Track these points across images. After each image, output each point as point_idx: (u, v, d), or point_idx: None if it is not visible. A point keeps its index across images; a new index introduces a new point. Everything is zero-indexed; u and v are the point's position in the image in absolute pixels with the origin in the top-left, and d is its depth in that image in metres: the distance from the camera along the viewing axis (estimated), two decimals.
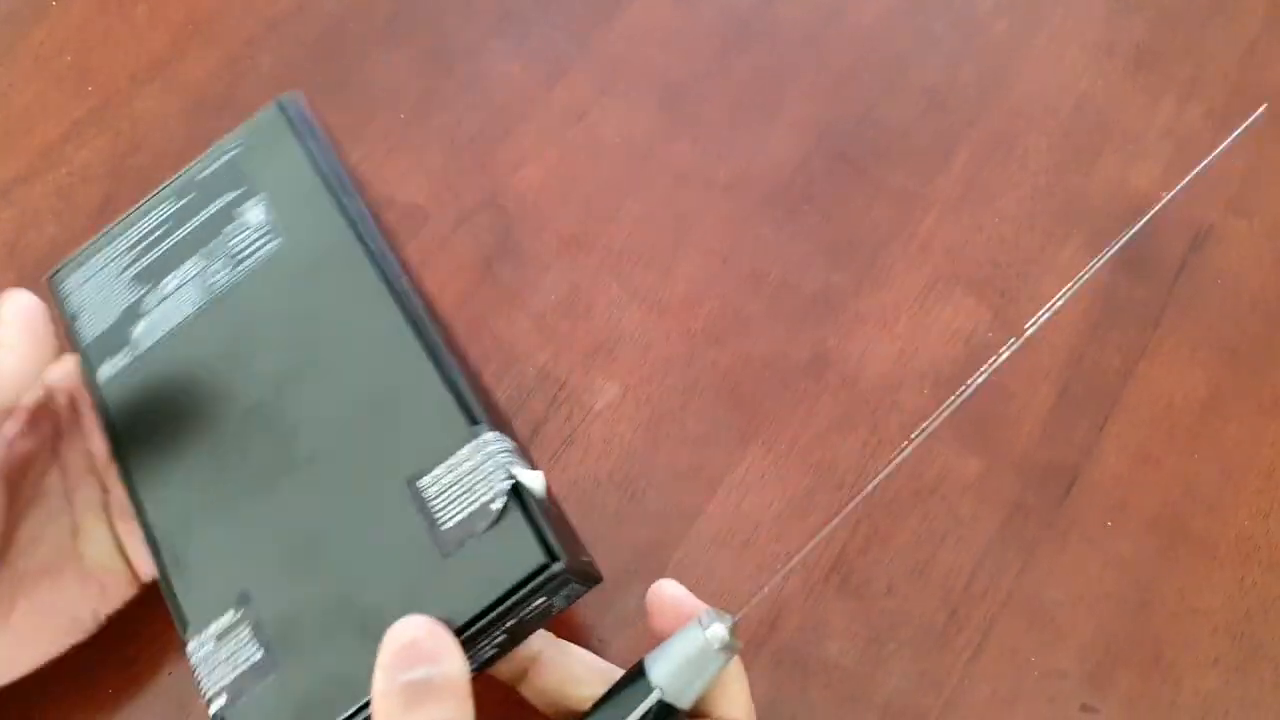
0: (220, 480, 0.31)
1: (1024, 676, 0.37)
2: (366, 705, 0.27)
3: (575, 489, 0.40)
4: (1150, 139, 0.47)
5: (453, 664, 0.25)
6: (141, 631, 0.36)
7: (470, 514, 0.27)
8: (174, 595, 0.31)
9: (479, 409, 0.29)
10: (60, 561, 0.33)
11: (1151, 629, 0.37)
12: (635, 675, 0.28)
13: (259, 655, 0.29)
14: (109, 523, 0.34)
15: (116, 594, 0.34)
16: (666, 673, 0.27)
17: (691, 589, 0.38)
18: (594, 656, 0.32)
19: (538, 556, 0.26)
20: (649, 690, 0.27)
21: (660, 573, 0.38)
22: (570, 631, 0.37)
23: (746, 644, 0.37)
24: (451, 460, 0.28)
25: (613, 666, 0.31)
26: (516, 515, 0.27)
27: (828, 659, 0.37)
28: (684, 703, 0.27)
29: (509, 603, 0.27)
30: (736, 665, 0.30)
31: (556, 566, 0.26)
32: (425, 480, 0.29)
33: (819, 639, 0.37)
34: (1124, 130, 0.47)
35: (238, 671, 0.29)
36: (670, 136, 0.47)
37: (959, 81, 0.48)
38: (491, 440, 0.28)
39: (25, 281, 0.43)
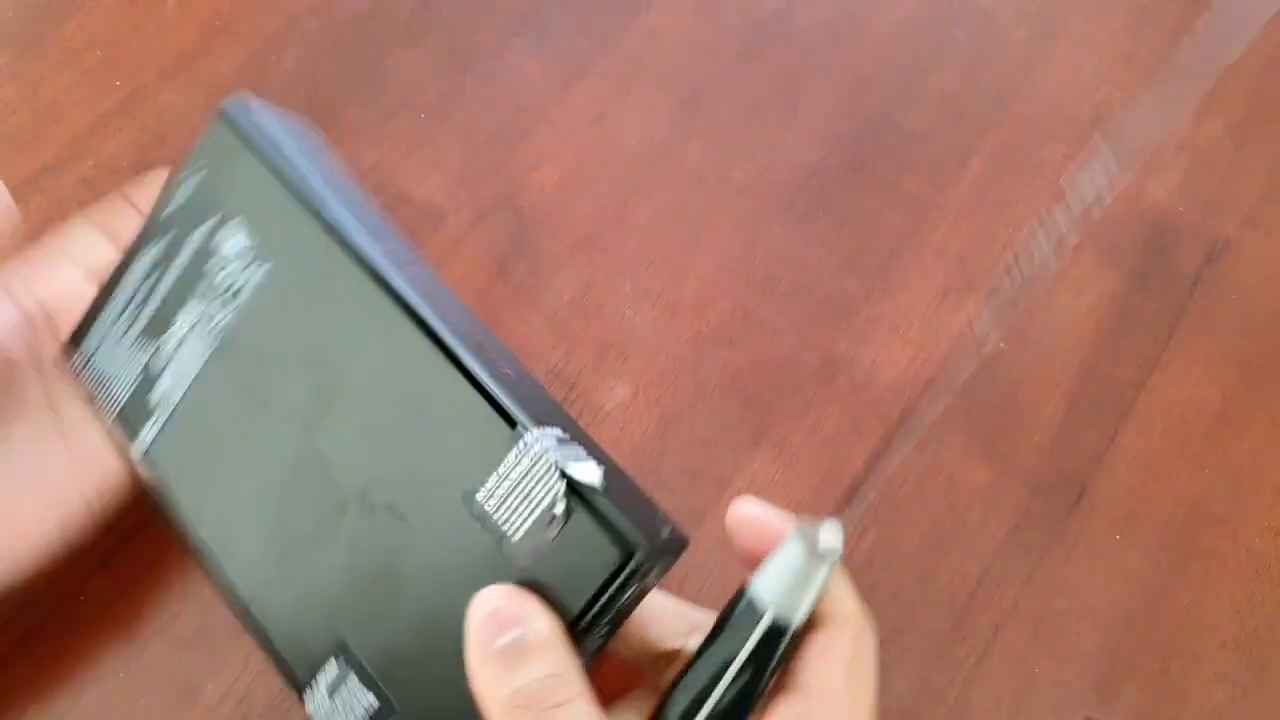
0: (284, 530, 0.31)
1: (1028, 687, 0.37)
2: None
3: None
4: (1167, 151, 0.46)
5: (540, 621, 0.25)
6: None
7: (535, 522, 0.26)
8: (279, 656, 0.30)
9: (515, 408, 0.27)
10: (41, 434, 0.33)
11: (1158, 643, 0.37)
12: (738, 601, 0.26)
13: (373, 700, 0.29)
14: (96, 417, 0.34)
15: (108, 484, 0.33)
16: (774, 591, 0.25)
17: (697, 591, 0.38)
18: (676, 600, 0.30)
19: (615, 555, 0.25)
20: (758, 613, 0.25)
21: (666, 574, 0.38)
22: None
23: None
24: (501, 469, 0.27)
25: (696, 607, 0.30)
26: (582, 516, 0.26)
27: None
28: (796, 620, 0.26)
29: (599, 604, 0.26)
30: (840, 570, 0.28)
31: (638, 557, 0.25)
32: (481, 495, 0.27)
33: None
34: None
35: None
36: (687, 139, 0.47)
37: (976, 89, 0.48)
38: (534, 441, 0.26)
39: None
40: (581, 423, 0.41)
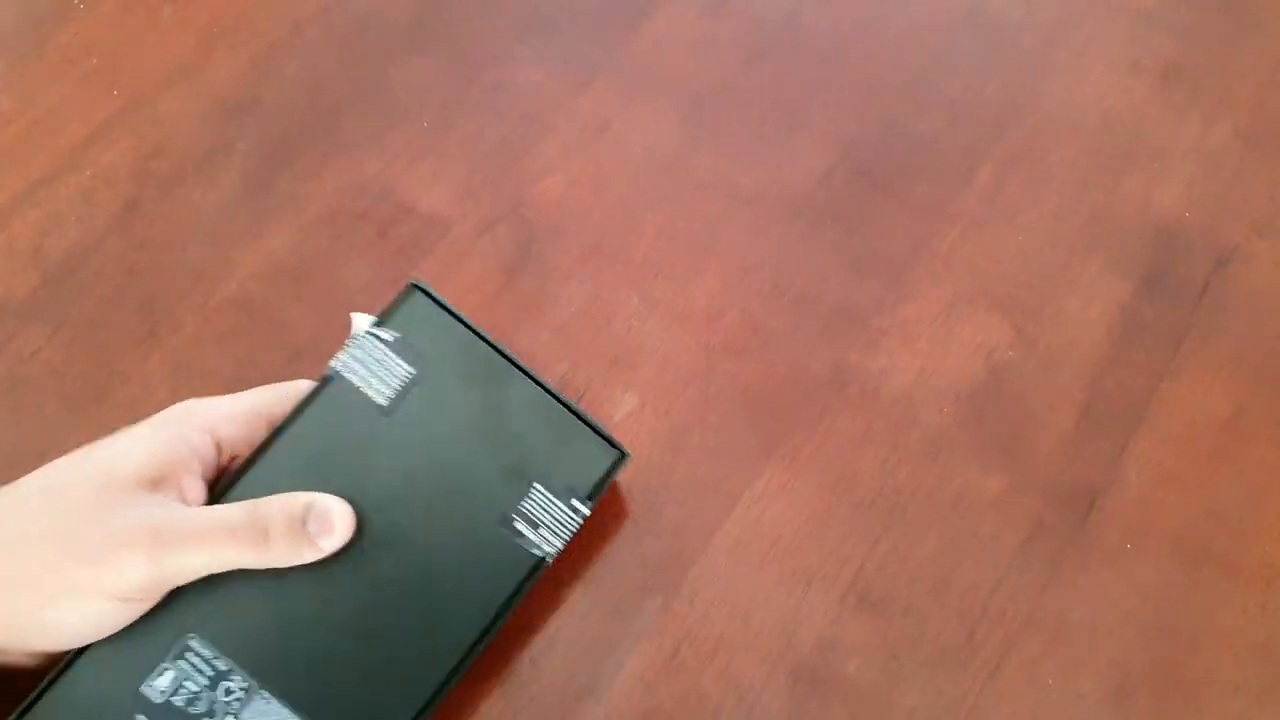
0: None
1: (1042, 698, 0.36)
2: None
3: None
4: (1175, 157, 0.46)
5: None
6: None
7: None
8: None
9: None
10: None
11: (1173, 652, 0.37)
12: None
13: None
14: None
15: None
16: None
17: (709, 604, 0.38)
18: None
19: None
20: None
21: (678, 587, 0.38)
22: (586, 646, 0.37)
23: (763, 660, 0.37)
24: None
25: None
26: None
27: (845, 677, 0.37)
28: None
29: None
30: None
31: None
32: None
33: (837, 657, 0.37)
34: (1150, 148, 0.47)
35: None
36: (694, 147, 0.47)
37: (985, 95, 0.48)
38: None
39: (49, 282, 0.44)
40: None
